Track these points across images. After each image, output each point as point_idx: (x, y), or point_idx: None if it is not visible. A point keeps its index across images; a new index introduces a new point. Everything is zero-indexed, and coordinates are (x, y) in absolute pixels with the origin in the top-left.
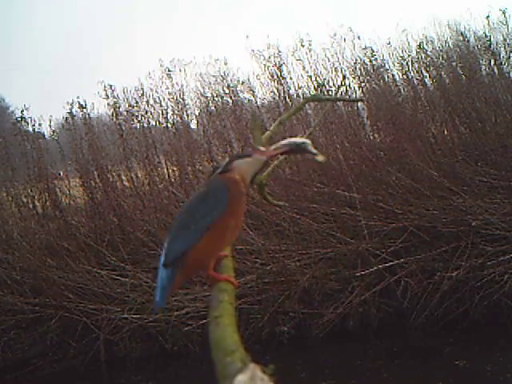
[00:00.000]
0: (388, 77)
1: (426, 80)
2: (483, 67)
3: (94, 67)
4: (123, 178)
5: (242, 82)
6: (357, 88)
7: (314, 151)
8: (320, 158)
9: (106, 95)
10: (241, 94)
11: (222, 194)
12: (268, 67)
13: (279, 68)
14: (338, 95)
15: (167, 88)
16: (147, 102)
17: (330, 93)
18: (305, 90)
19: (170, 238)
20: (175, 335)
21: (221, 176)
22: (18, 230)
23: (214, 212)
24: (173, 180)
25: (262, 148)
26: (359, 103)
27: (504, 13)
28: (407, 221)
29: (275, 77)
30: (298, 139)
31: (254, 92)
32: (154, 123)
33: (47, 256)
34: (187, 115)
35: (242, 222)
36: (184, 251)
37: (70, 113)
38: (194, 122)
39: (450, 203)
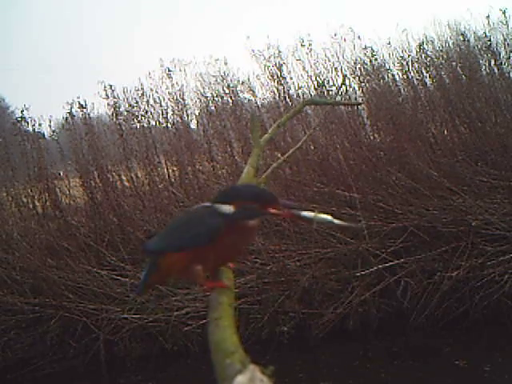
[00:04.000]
0: (388, 77)
1: (426, 80)
2: (483, 67)
3: (94, 67)
4: (123, 177)
5: (242, 82)
6: (357, 88)
7: (344, 224)
8: (354, 224)
9: (106, 95)
10: (241, 94)
11: (206, 233)
12: (268, 67)
13: (279, 68)
14: (338, 96)
15: (167, 88)
16: (147, 101)
17: (331, 93)
18: (305, 90)
19: (160, 233)
20: (175, 335)
21: (221, 219)
22: (18, 229)
23: (193, 240)
24: (173, 180)
25: (275, 208)
26: None
27: (504, 13)
28: (407, 221)
29: (275, 77)
30: (324, 217)
31: (254, 92)
32: (154, 123)
33: (47, 256)
34: (187, 115)
35: (234, 257)
36: (160, 251)
37: (70, 113)
38: (194, 121)
39: (450, 203)
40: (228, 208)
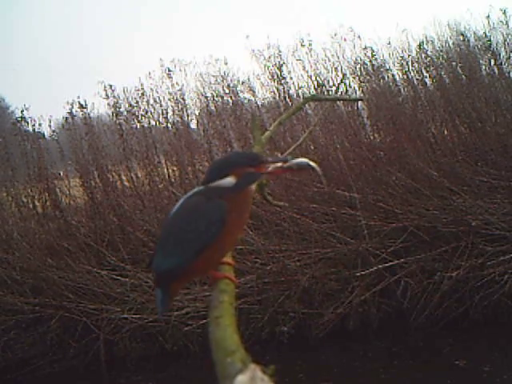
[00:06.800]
0: (388, 77)
1: (426, 80)
2: (483, 67)
3: (94, 67)
4: (123, 177)
5: (242, 82)
6: (357, 88)
7: (320, 173)
8: (323, 180)
9: (106, 95)
10: (241, 94)
11: (217, 218)
12: (268, 67)
13: (279, 68)
14: (338, 95)
15: (167, 88)
16: (147, 102)
17: (330, 93)
18: (305, 89)
19: (158, 250)
20: (175, 335)
21: (222, 196)
22: (18, 229)
23: (205, 237)
24: (173, 180)
25: (269, 165)
26: (359, 103)
27: (504, 13)
28: (407, 221)
29: (275, 77)
30: (300, 160)
31: (254, 92)
32: (154, 123)
33: (47, 256)
34: (187, 115)
35: (243, 228)
36: (172, 271)
37: (70, 113)
38: (194, 121)
39: (450, 203)
40: (230, 180)
